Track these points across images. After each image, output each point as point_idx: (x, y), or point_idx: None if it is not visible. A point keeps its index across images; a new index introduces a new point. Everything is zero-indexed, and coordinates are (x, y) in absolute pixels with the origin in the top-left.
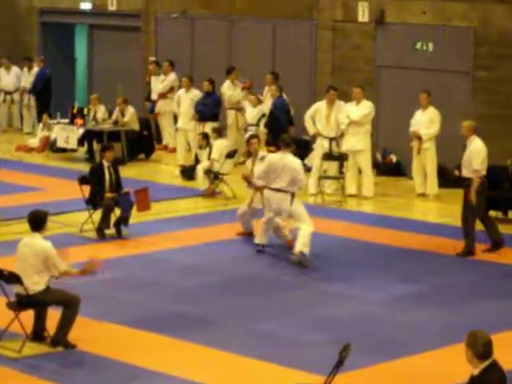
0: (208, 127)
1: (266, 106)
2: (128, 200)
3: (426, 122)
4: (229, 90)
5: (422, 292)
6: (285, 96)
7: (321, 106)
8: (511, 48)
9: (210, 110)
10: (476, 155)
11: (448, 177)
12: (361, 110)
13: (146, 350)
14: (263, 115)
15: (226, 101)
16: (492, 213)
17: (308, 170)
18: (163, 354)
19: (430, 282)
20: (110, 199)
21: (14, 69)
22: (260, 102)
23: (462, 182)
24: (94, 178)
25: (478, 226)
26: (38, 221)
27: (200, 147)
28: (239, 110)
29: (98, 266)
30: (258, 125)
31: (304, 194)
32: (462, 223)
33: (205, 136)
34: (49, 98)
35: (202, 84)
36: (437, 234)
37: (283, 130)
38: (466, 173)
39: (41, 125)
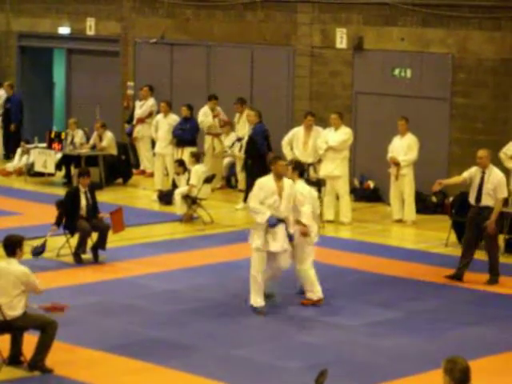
0: (186, 152)
1: (242, 131)
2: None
3: (404, 148)
4: (202, 116)
5: (398, 318)
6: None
7: (298, 131)
8: (489, 74)
9: (187, 135)
10: (503, 183)
11: (425, 203)
12: (339, 136)
13: (123, 374)
14: (238, 139)
15: (201, 126)
16: None
17: None
18: (139, 379)
19: (406, 307)
20: (85, 224)
21: None
22: (227, 124)
23: (477, 211)
24: (69, 203)
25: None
26: (12, 245)
27: (177, 174)
28: (216, 135)
29: (60, 311)
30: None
31: None
32: (466, 248)
33: (181, 163)
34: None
35: (181, 109)
36: (414, 261)
37: (262, 156)
38: (486, 201)
39: (19, 150)
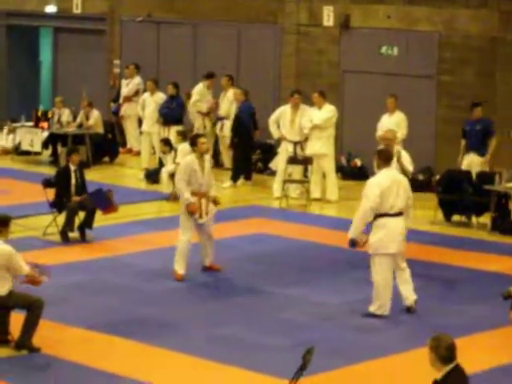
0: (173, 131)
1: (224, 109)
2: (102, 196)
3: (392, 125)
4: (196, 95)
5: None
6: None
7: (285, 110)
8: (475, 52)
9: (174, 113)
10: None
11: (412, 181)
12: (323, 114)
13: (110, 353)
14: (220, 118)
15: (191, 103)
16: (455, 217)
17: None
18: (126, 357)
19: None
20: (76, 202)
21: None
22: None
23: None
24: (60, 182)
25: None
26: None
27: (164, 153)
28: (206, 114)
29: (47, 273)
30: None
31: (269, 197)
32: None
33: (166, 142)
34: None
35: (167, 87)
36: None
37: (249, 134)
38: None
39: (5, 129)
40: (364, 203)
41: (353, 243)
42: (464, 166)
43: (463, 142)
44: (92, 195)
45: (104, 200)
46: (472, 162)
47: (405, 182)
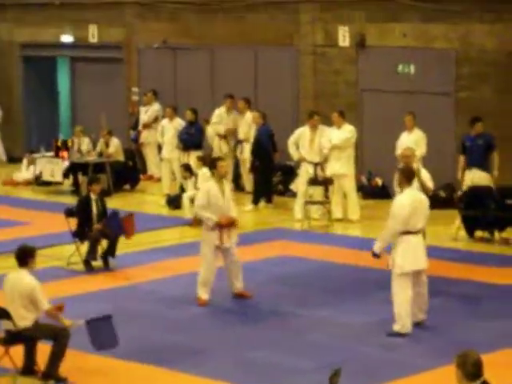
0: (193, 156)
1: (242, 132)
2: (116, 226)
3: (412, 143)
4: (215, 118)
5: None
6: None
7: (304, 131)
8: (492, 67)
9: (194, 139)
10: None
11: (434, 198)
12: (342, 134)
13: (136, 381)
14: (238, 142)
15: (210, 125)
16: (478, 233)
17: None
18: None
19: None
20: (98, 230)
21: None
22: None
23: None
24: (81, 211)
25: None
26: (24, 256)
27: (184, 178)
28: (224, 137)
29: (62, 309)
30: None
31: (290, 219)
32: None
33: (187, 167)
34: None
35: (185, 113)
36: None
37: (269, 157)
38: None
39: (25, 160)
40: (392, 224)
41: (376, 255)
42: (468, 182)
43: (462, 158)
44: (107, 220)
45: (118, 223)
46: (478, 178)
47: (426, 201)
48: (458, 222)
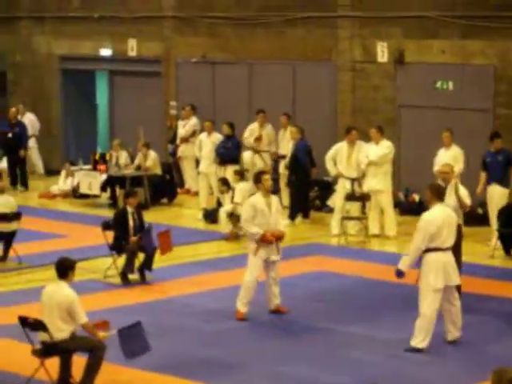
0: (229, 170)
1: (284, 147)
2: (151, 240)
3: (449, 160)
4: (247, 133)
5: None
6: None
7: (342, 146)
8: None
9: (230, 153)
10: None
11: (471, 215)
12: (379, 150)
13: None
14: (279, 157)
15: (244, 142)
16: None
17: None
18: None
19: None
20: (134, 243)
21: (29, 115)
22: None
23: None
24: (118, 224)
25: None
26: (65, 268)
27: (221, 192)
28: (257, 151)
29: (106, 326)
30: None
31: (327, 234)
32: None
33: (224, 182)
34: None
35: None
36: (461, 273)
37: (306, 172)
38: None
39: (63, 172)
40: (418, 239)
41: (401, 273)
42: (488, 197)
43: (483, 175)
44: (142, 235)
45: (151, 239)
46: (498, 194)
47: (455, 218)
48: (494, 239)
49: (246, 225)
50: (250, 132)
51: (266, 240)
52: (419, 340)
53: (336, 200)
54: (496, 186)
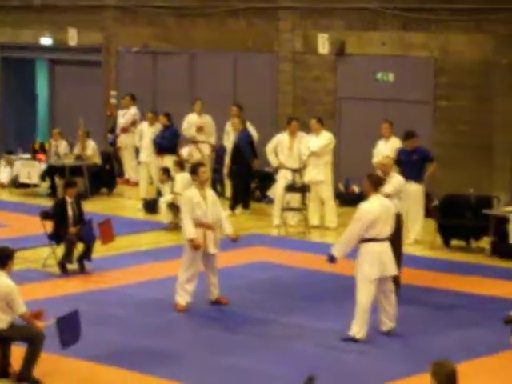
0: (167, 160)
1: (229, 139)
2: (91, 232)
3: (388, 151)
4: (186, 124)
5: None
6: (250, 128)
7: (283, 137)
8: (471, 77)
9: (167, 142)
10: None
11: None
12: (320, 141)
13: None
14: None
15: (184, 134)
16: (454, 242)
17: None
18: None
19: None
20: (73, 234)
21: None
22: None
23: None
24: (57, 214)
25: None
26: (3, 258)
27: (161, 182)
28: (194, 143)
29: (41, 316)
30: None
31: (268, 225)
32: None
33: (165, 171)
34: None
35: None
36: (401, 264)
37: (247, 163)
38: None
39: (2, 161)
40: (354, 228)
41: (333, 259)
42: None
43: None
44: (82, 226)
45: (91, 229)
46: (412, 191)
47: (393, 209)
48: (434, 230)
49: (184, 221)
50: (188, 123)
51: (194, 246)
52: (356, 330)
53: (276, 191)
54: (412, 184)
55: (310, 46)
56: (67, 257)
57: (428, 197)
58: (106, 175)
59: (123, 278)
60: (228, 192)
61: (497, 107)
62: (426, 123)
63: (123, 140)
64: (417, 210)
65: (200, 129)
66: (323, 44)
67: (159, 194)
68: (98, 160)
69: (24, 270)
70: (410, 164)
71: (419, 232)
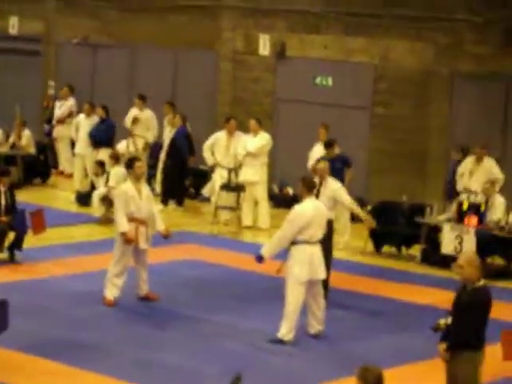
0: (102, 153)
1: (166, 134)
2: (23, 221)
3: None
4: (127, 119)
5: None
6: (188, 125)
7: (220, 136)
8: (410, 85)
9: (103, 135)
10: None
11: None
12: (257, 141)
13: (37, 375)
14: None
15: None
16: (386, 248)
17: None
18: (52, 379)
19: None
20: (5, 223)
21: None
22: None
23: None
24: None
25: None
26: None
27: (96, 175)
28: (132, 136)
29: None
30: None
31: (200, 223)
32: None
33: (100, 164)
34: None
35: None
36: (331, 268)
37: (183, 159)
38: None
39: None
40: (286, 229)
41: (261, 259)
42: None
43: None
44: (14, 215)
45: (24, 219)
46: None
47: (326, 213)
48: (365, 236)
49: (117, 215)
50: (128, 116)
51: (127, 239)
52: (285, 332)
53: (212, 189)
54: None
55: (250, 46)
56: None
57: (361, 202)
58: (41, 166)
59: (53, 270)
60: (158, 187)
61: (433, 115)
62: (363, 129)
63: (59, 131)
64: (346, 216)
65: (135, 120)
66: (264, 45)
67: (93, 186)
68: (32, 150)
69: None
70: (334, 172)
71: (348, 238)
